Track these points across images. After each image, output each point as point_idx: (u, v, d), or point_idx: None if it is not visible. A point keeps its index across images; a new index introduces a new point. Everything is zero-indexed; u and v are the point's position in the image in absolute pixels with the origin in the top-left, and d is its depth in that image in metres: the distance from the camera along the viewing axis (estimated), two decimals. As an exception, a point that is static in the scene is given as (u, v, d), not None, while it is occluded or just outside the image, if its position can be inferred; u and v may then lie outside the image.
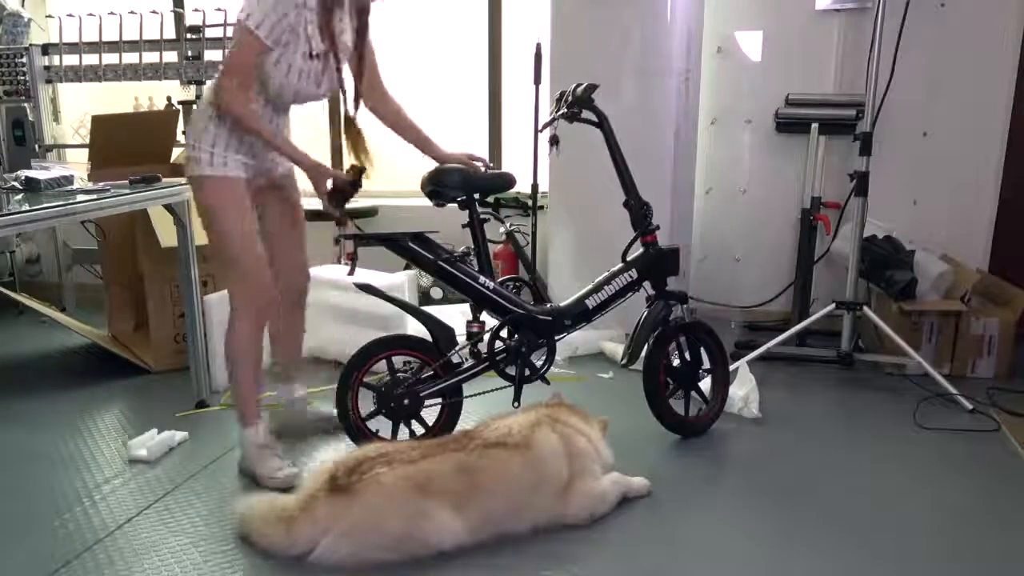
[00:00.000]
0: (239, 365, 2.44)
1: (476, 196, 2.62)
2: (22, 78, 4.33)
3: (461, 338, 2.62)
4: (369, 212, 4.48)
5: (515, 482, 2.10)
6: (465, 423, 2.58)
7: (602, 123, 2.61)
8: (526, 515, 2.12)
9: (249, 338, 2.42)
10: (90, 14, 4.25)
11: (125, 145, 3.57)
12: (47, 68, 4.35)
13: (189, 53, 4.21)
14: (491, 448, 2.11)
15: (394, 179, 4.36)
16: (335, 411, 2.58)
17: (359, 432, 2.54)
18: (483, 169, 2.64)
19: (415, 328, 2.82)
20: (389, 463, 2.03)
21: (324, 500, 1.99)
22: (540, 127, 3.65)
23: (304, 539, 1.98)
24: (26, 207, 2.35)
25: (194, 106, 4.35)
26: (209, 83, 2.39)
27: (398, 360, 2.62)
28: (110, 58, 4.28)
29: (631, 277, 2.67)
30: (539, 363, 2.69)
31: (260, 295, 2.40)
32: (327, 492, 1.99)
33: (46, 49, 4.35)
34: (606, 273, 2.69)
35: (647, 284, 2.69)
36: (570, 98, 2.61)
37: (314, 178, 2.30)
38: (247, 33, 2.17)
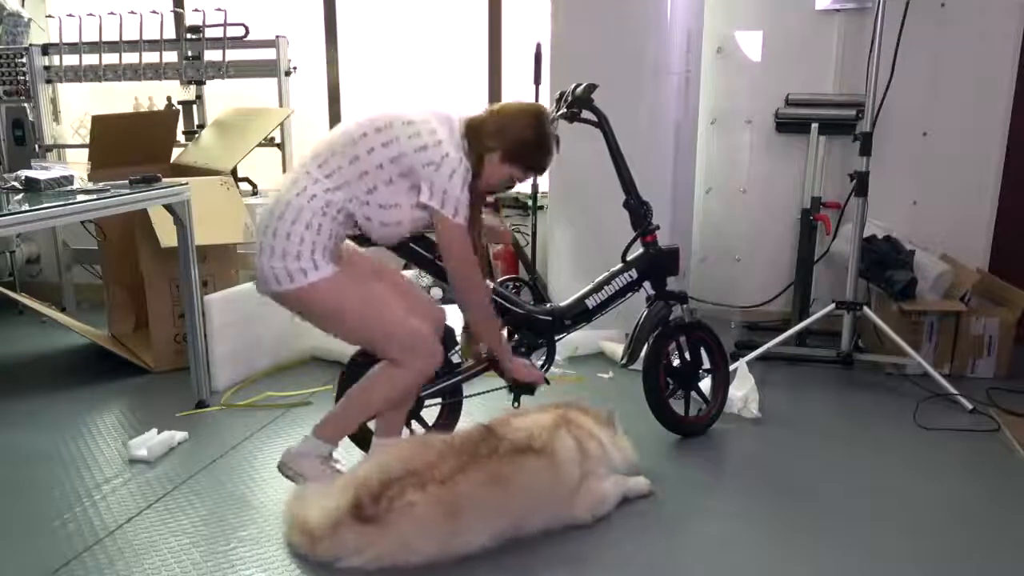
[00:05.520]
0: (376, 405, 2.28)
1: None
2: (22, 78, 4.33)
3: (461, 338, 2.61)
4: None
5: (539, 490, 2.11)
6: (465, 423, 2.58)
7: (602, 123, 2.61)
8: (541, 518, 2.13)
9: (407, 390, 2.29)
10: (90, 14, 4.25)
11: (125, 145, 3.57)
12: (47, 68, 4.35)
13: (189, 53, 4.21)
14: (519, 454, 2.10)
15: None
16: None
17: (360, 433, 2.53)
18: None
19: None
20: (420, 485, 1.96)
21: (350, 528, 1.95)
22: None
23: (328, 555, 1.97)
24: (26, 207, 2.35)
25: (194, 106, 4.36)
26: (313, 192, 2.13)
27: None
28: (110, 58, 4.27)
29: (631, 277, 2.67)
30: (539, 363, 2.69)
31: (432, 357, 2.26)
32: (353, 520, 1.95)
33: (46, 49, 4.35)
34: (606, 273, 2.69)
35: (647, 284, 2.69)
36: (570, 98, 2.61)
37: (508, 367, 2.40)
38: (458, 228, 2.13)
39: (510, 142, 2.20)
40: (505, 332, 2.53)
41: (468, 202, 2.14)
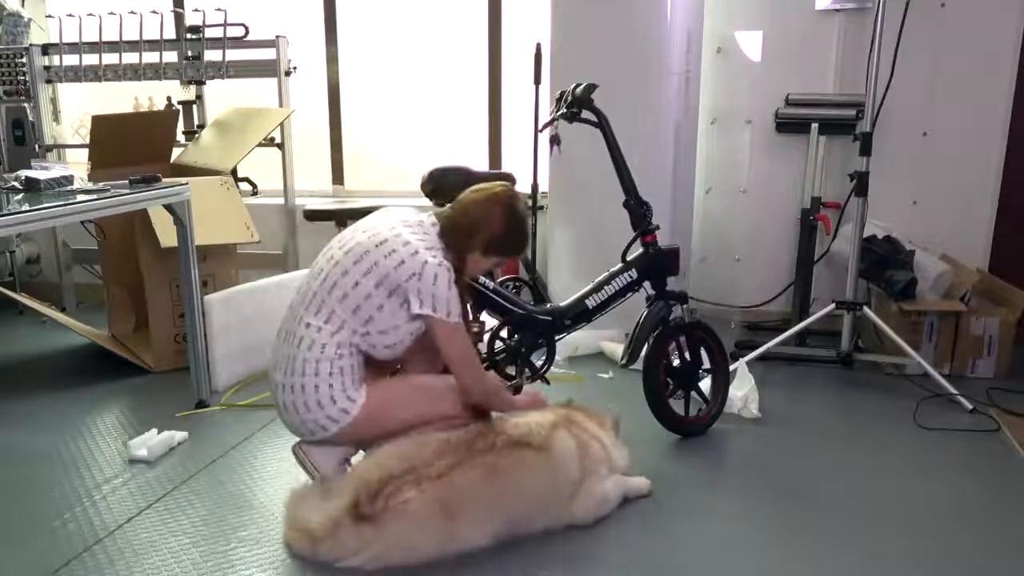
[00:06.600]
0: (418, 417, 2.26)
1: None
2: (22, 78, 4.33)
3: None
4: (368, 212, 4.47)
5: (537, 486, 2.11)
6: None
7: (602, 123, 2.61)
8: (541, 518, 2.13)
9: (448, 413, 2.28)
10: (90, 14, 4.24)
11: (125, 145, 3.57)
12: (47, 68, 4.35)
13: (189, 53, 4.21)
14: (517, 448, 2.10)
15: (384, 179, 4.37)
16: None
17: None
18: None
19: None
20: (417, 483, 1.97)
21: (349, 528, 1.95)
22: (540, 127, 3.65)
23: (328, 555, 1.97)
24: (26, 207, 2.35)
25: (194, 106, 4.36)
26: (317, 334, 2.16)
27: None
28: (110, 58, 4.27)
29: (631, 277, 2.67)
30: (539, 363, 2.70)
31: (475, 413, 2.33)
32: (352, 520, 1.95)
33: (46, 49, 4.34)
34: (606, 273, 2.70)
35: (647, 284, 2.69)
36: (570, 98, 2.61)
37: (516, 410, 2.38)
38: (455, 330, 2.15)
39: (487, 240, 2.24)
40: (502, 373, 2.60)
41: (458, 298, 2.16)
